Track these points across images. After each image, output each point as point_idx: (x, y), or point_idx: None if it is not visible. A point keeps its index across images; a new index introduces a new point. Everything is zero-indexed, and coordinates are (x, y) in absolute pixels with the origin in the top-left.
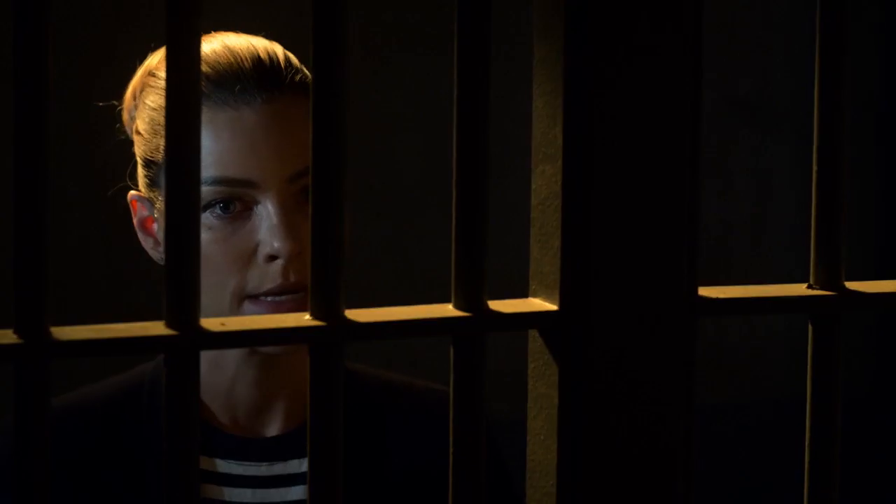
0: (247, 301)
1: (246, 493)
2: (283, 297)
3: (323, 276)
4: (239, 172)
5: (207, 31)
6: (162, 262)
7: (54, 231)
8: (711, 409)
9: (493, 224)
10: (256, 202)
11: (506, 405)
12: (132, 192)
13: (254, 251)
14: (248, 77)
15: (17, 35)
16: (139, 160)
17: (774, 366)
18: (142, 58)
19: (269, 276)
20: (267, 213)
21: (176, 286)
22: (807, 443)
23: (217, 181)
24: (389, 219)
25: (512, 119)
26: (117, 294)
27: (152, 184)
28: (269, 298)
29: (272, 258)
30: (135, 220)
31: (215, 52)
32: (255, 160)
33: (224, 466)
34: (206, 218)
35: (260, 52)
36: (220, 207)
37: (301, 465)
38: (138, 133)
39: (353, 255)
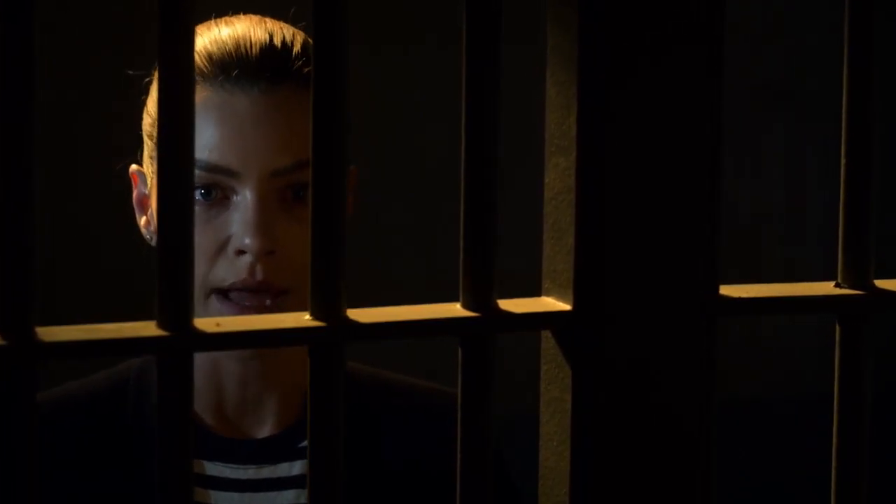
0: (214, 295)
1: (233, 497)
2: (246, 296)
3: (323, 274)
4: (220, 159)
5: (237, 14)
6: (150, 242)
7: (67, 225)
8: (740, 403)
9: (504, 219)
10: (235, 192)
11: (507, 403)
12: (134, 166)
13: (226, 243)
14: (250, 63)
15: (2, 25)
16: (144, 135)
17: (808, 359)
18: None
19: (235, 270)
20: (244, 206)
21: (168, 285)
22: (833, 448)
23: (198, 165)
24: (414, 210)
25: (524, 109)
26: (130, 288)
27: (151, 159)
28: (233, 294)
29: (241, 253)
30: (133, 195)
31: (228, 35)
32: (239, 148)
33: (211, 469)
34: None
35: (275, 38)
36: (201, 193)
37: (291, 469)
38: (146, 106)
39: (378, 247)
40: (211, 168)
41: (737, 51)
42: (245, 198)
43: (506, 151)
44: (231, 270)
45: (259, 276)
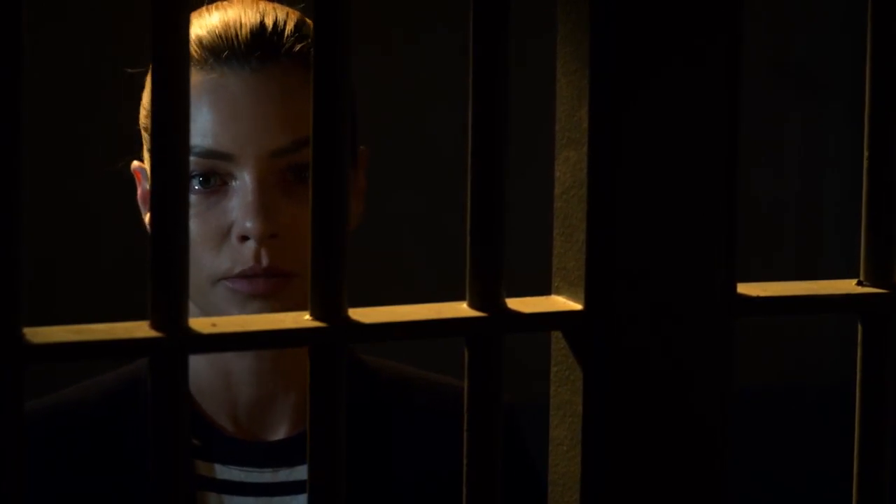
0: (221, 282)
1: (248, 502)
2: (254, 281)
3: (324, 271)
4: (215, 143)
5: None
6: None
7: (67, 224)
8: (762, 393)
9: (513, 215)
10: (234, 177)
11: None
12: (136, 163)
13: (228, 230)
14: (241, 43)
15: None
16: (142, 130)
17: (830, 347)
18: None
19: (240, 257)
20: (243, 190)
21: (162, 284)
22: (855, 451)
23: (194, 152)
24: (423, 201)
25: (535, 101)
26: (131, 289)
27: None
28: (240, 281)
29: (244, 238)
30: (138, 193)
31: (218, 20)
32: (234, 131)
33: (224, 472)
34: None
35: (266, 18)
36: (200, 181)
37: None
38: (142, 101)
39: (386, 239)
40: (207, 154)
41: (760, 37)
42: (244, 181)
43: (515, 144)
44: (236, 258)
45: (265, 261)
